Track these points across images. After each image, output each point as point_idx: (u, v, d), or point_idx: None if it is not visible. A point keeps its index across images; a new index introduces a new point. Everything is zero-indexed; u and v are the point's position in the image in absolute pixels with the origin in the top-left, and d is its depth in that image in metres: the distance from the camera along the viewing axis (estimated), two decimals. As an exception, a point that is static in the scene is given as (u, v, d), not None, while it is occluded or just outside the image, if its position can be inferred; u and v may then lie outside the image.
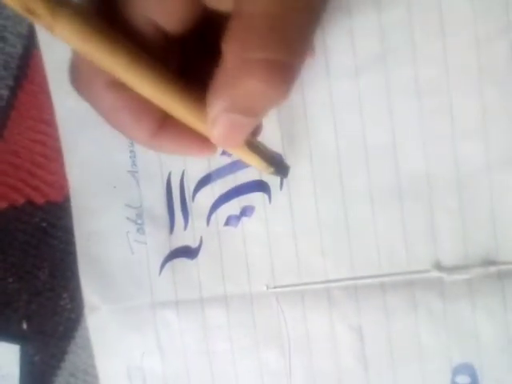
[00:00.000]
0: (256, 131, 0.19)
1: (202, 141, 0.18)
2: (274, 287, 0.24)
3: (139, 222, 0.25)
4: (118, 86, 0.16)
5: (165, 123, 0.17)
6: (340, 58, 0.22)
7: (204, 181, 0.24)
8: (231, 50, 0.14)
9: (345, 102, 0.22)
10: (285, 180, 0.23)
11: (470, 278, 0.21)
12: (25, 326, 0.27)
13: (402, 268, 0.22)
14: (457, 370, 0.22)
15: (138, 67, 0.15)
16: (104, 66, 0.15)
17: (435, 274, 0.22)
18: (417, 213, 0.22)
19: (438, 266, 0.22)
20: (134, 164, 0.25)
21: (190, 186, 0.24)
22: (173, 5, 0.15)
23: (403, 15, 0.21)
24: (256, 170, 0.23)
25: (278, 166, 0.20)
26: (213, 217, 0.24)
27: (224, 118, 0.16)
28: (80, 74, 0.17)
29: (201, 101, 0.16)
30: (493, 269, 0.21)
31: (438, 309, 0.22)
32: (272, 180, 0.23)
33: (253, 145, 0.19)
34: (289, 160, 0.22)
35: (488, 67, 0.20)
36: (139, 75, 0.15)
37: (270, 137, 0.23)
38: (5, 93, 0.26)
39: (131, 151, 0.25)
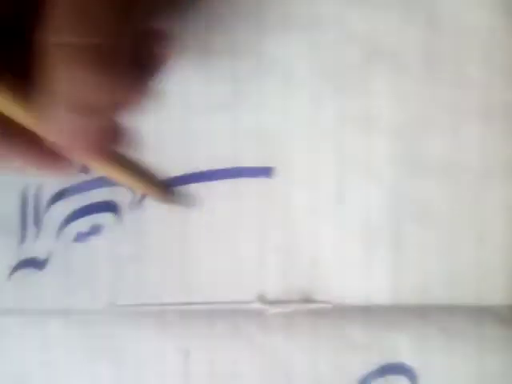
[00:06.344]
0: (119, 138, 0.17)
1: (54, 156, 0.17)
2: (114, 306, 0.25)
3: (-8, 229, 0.25)
4: None
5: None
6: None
7: (58, 195, 0.25)
8: (43, 36, 0.13)
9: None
10: (135, 203, 0.24)
11: (288, 312, 0.23)
12: None
13: (230, 297, 0.24)
14: (272, 400, 0.24)
15: None
16: None
17: (258, 305, 0.23)
18: (248, 247, 0.23)
19: (262, 299, 0.23)
20: (-8, 173, 0.25)
21: (44, 199, 0.25)
22: None
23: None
24: (109, 190, 0.25)
25: (161, 188, 0.20)
26: (63, 232, 0.25)
27: (57, 116, 0.14)
28: None
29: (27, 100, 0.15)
30: (309, 306, 0.23)
31: (258, 339, 0.23)
32: (123, 202, 0.25)
33: (127, 164, 0.18)
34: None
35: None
36: None
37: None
38: None
39: (-9, 159, 0.25)
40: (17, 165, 0.18)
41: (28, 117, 0.15)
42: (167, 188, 0.21)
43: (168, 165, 0.24)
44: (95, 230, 0.25)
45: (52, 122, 0.15)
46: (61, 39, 0.14)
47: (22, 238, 0.25)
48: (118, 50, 0.15)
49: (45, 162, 0.17)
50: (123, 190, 0.24)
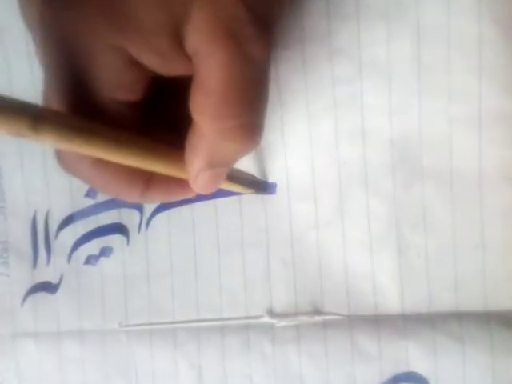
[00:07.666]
0: None
1: (183, 185, 0.19)
2: (126, 325, 0.25)
3: (4, 255, 0.26)
4: (103, 163, 0.17)
5: (151, 180, 0.19)
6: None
7: (67, 220, 0.25)
8: (204, 122, 0.16)
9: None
10: (143, 224, 0.25)
11: (297, 324, 0.23)
12: None
13: (240, 313, 0.24)
14: (286, 411, 0.24)
15: (116, 146, 0.16)
16: (86, 153, 0.16)
17: (267, 319, 0.23)
18: (256, 263, 0.24)
19: (271, 313, 0.23)
20: (2, 200, 0.26)
21: (53, 225, 0.26)
22: (131, 83, 0.16)
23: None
24: (117, 213, 0.25)
25: (257, 186, 0.23)
26: (74, 255, 0.25)
27: (204, 174, 0.17)
28: (65, 159, 0.18)
29: (175, 153, 0.17)
30: (318, 318, 0.23)
31: (269, 352, 0.24)
32: (130, 223, 0.25)
33: (231, 176, 0.21)
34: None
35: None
36: (119, 152, 0.16)
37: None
38: None
39: None
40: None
41: (171, 169, 0.18)
42: (256, 184, 0.23)
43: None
44: (105, 252, 0.25)
45: (196, 176, 0.17)
46: (227, 124, 0.15)
47: (34, 263, 0.26)
48: (262, 121, 0.16)
49: (178, 194, 0.20)
50: (130, 212, 0.25)
